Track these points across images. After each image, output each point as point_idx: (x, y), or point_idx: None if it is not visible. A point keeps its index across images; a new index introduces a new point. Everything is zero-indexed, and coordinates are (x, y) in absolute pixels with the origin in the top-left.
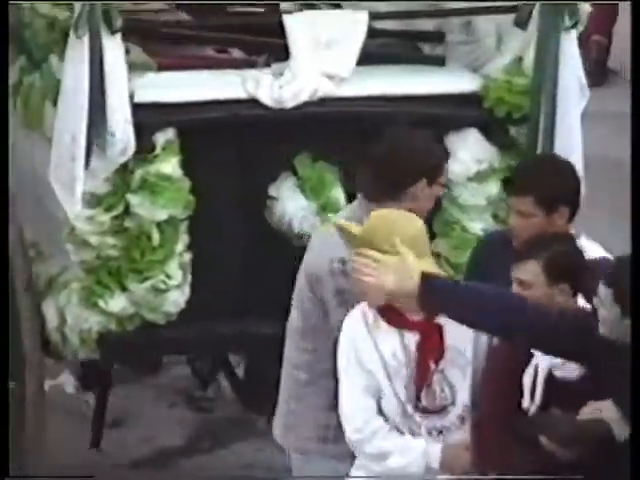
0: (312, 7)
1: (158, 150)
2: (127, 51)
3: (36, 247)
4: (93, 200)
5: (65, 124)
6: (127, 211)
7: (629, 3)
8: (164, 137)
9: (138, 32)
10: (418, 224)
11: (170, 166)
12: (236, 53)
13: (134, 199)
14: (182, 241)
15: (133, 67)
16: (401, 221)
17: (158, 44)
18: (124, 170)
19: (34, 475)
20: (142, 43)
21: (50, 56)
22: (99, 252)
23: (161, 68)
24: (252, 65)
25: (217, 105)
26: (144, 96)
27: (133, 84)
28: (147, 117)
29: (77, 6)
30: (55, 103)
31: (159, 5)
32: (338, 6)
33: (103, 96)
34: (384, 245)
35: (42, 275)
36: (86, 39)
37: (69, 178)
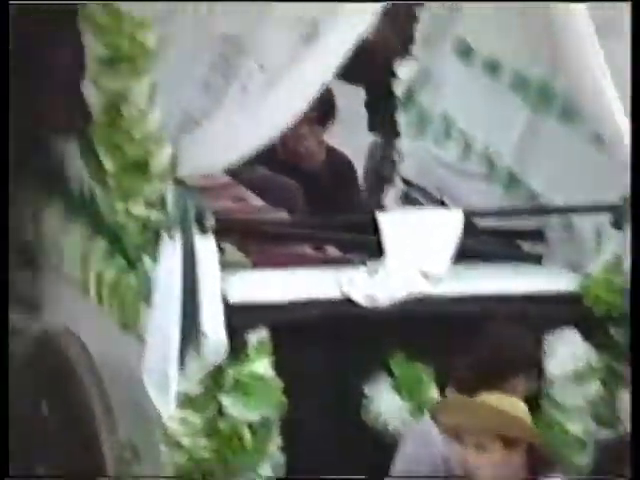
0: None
1: (250, 350)
2: (221, 250)
3: (133, 448)
4: (186, 401)
5: (158, 325)
6: (220, 412)
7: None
8: (256, 337)
9: (234, 232)
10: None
11: (262, 366)
12: (331, 250)
13: (226, 400)
14: (274, 443)
15: (227, 266)
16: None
17: (254, 242)
18: (216, 370)
19: (34, 475)
20: (237, 241)
21: (144, 256)
22: (191, 454)
23: (256, 266)
24: (347, 263)
25: (311, 304)
26: (237, 296)
27: (226, 283)
28: (240, 317)
29: (170, 207)
30: (149, 303)
31: (258, 203)
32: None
33: (196, 296)
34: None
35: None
36: (178, 239)
37: (163, 379)
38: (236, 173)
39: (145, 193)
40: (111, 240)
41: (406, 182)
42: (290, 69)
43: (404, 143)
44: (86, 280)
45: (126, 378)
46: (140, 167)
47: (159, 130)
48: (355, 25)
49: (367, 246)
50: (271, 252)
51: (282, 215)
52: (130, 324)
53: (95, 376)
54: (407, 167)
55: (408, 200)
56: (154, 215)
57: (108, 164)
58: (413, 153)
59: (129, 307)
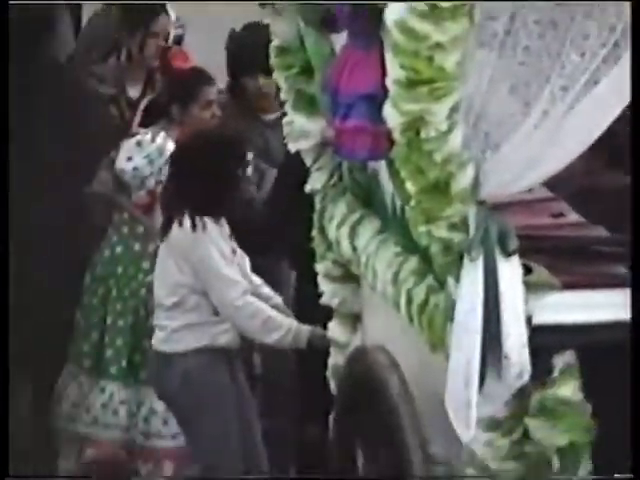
0: None
1: (556, 373)
2: (529, 270)
3: (445, 466)
4: (492, 424)
5: (460, 347)
6: (526, 435)
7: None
8: (563, 360)
9: (545, 250)
10: None
11: (569, 390)
12: None
13: (532, 423)
14: (584, 468)
15: (533, 286)
16: None
17: (566, 261)
18: (521, 393)
19: (34, 475)
20: (548, 260)
21: (448, 278)
22: (498, 478)
23: (565, 287)
24: None
25: (619, 326)
26: (544, 318)
27: (532, 305)
28: (546, 340)
29: (472, 229)
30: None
31: (576, 218)
32: None
33: (498, 319)
34: None
35: None
36: (480, 261)
37: (463, 402)
38: (556, 187)
39: (447, 215)
40: (422, 259)
41: None
42: (590, 93)
43: None
44: (397, 298)
45: (436, 397)
46: (441, 189)
47: (461, 152)
48: None
49: None
50: (583, 271)
51: (600, 232)
52: (438, 344)
53: (406, 393)
54: None
55: None
56: (456, 237)
57: (410, 186)
58: None
59: (437, 328)
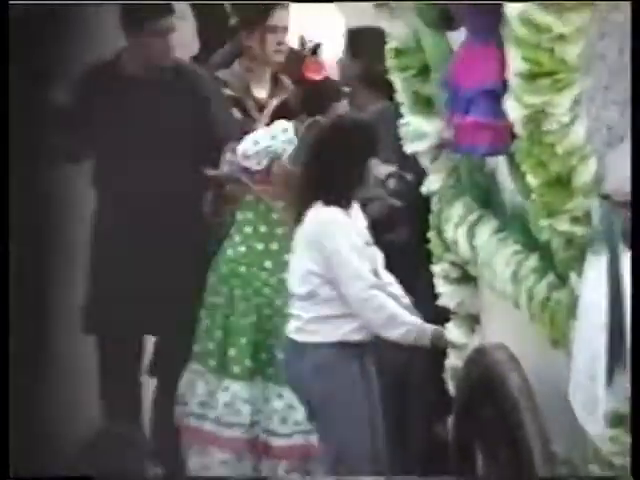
0: None
1: None
2: None
3: (569, 464)
4: (616, 419)
5: (584, 342)
6: None
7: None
8: None
9: None
10: None
11: None
12: None
13: None
14: None
15: None
16: None
17: None
18: None
19: (34, 475)
20: None
21: (570, 273)
22: (622, 475)
23: None
24: None
25: None
26: None
27: None
28: None
29: (595, 223)
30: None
31: None
32: None
33: (622, 313)
34: None
35: None
36: (604, 255)
37: (590, 397)
38: None
39: (569, 208)
40: (542, 256)
41: None
42: None
43: None
44: (517, 296)
45: (558, 394)
46: (563, 182)
47: (583, 145)
48: None
49: None
50: None
51: None
52: (560, 341)
53: (527, 390)
54: None
55: None
56: (579, 231)
57: (531, 180)
58: None
59: (559, 324)
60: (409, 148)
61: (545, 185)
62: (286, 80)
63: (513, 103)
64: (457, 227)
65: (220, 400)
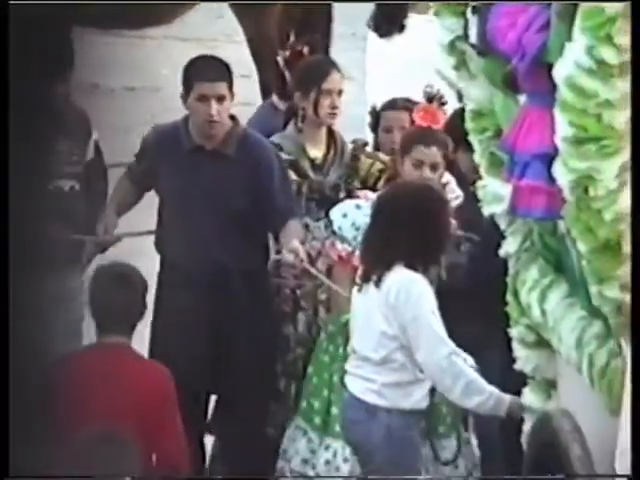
0: None
1: None
2: None
3: None
4: None
5: (630, 408)
6: None
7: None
8: None
9: None
10: None
11: None
12: None
13: None
14: None
15: None
16: None
17: None
18: None
19: (34, 475)
20: None
21: (621, 340)
22: None
23: None
24: None
25: None
26: None
27: None
28: None
29: None
30: None
31: None
32: None
33: None
34: None
35: None
36: None
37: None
38: None
39: (619, 275)
40: (605, 323)
41: None
42: None
43: None
44: (580, 362)
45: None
46: (612, 249)
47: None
48: None
49: None
50: None
51: None
52: (617, 409)
53: (587, 457)
54: None
55: None
56: (628, 298)
57: (581, 246)
58: None
59: (616, 392)
60: (487, 210)
61: (594, 251)
62: (340, 136)
63: (561, 168)
64: (531, 291)
65: (321, 458)
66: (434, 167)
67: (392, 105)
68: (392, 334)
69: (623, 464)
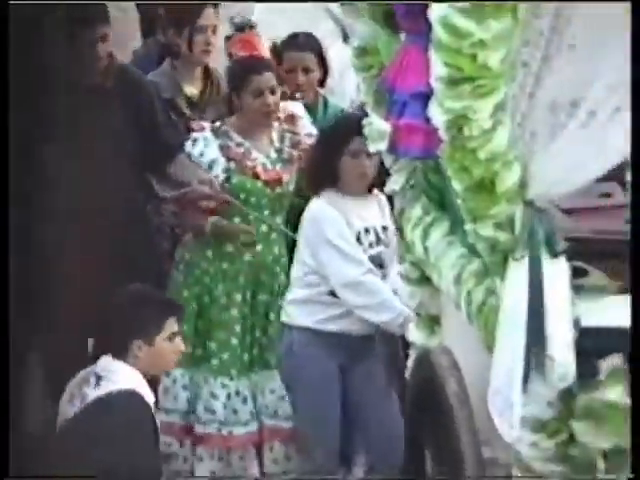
0: None
1: (602, 377)
2: (586, 273)
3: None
4: (537, 425)
5: (503, 346)
6: (571, 438)
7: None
8: (608, 363)
9: (605, 255)
10: None
11: (616, 393)
12: None
13: (578, 426)
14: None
15: (585, 290)
16: None
17: (625, 266)
18: (567, 395)
19: (34, 475)
20: (609, 265)
21: (495, 278)
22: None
23: (620, 290)
24: None
25: None
26: (592, 321)
27: (579, 308)
28: (591, 342)
29: (517, 229)
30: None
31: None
32: None
33: (542, 319)
34: None
35: None
36: (525, 261)
37: (506, 402)
38: None
39: (492, 214)
40: (483, 261)
41: None
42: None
43: None
44: (459, 299)
45: None
46: (487, 188)
47: (506, 151)
48: None
49: None
50: None
51: None
52: (492, 345)
53: (463, 397)
54: None
55: None
56: (502, 236)
57: (456, 185)
58: None
59: (492, 329)
60: (372, 147)
61: (469, 190)
62: (217, 72)
63: (436, 108)
64: (414, 228)
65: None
66: (273, 92)
67: (295, 45)
68: (308, 261)
69: (496, 404)
